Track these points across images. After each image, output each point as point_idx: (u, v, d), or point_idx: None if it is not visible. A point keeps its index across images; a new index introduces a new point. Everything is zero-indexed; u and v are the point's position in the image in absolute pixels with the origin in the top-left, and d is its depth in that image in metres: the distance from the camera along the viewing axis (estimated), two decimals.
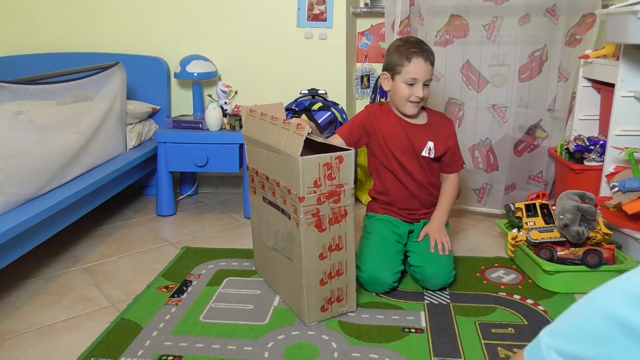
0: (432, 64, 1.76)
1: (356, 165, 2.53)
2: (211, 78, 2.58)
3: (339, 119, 2.42)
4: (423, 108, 1.86)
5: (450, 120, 1.93)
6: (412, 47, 1.73)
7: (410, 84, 1.74)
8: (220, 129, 2.40)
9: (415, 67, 1.72)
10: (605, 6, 2.11)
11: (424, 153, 1.81)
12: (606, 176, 1.91)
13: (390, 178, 1.85)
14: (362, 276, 1.67)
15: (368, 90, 2.74)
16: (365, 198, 2.06)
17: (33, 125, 1.78)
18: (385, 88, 1.82)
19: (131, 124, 2.43)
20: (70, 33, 2.70)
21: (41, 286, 1.77)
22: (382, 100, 2.53)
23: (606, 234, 1.70)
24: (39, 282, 1.81)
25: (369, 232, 1.82)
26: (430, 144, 1.82)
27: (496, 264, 1.90)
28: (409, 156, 1.82)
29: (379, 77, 2.62)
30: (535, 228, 1.76)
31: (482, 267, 1.88)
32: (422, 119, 1.85)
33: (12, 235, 1.54)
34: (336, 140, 1.79)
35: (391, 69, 1.77)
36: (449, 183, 1.89)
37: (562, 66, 2.26)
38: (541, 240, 1.72)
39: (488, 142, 2.40)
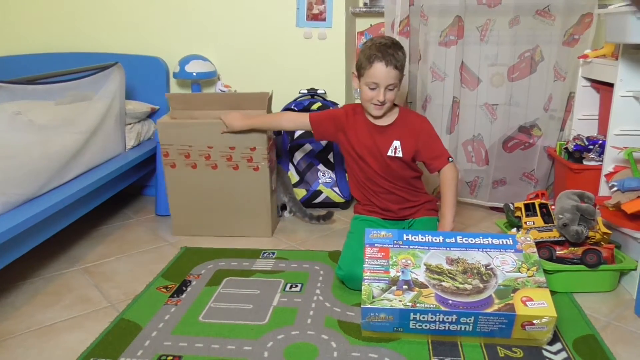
0: (397, 68, 1.70)
1: None
2: (210, 78, 2.58)
3: None
4: (397, 106, 1.85)
5: (424, 118, 1.90)
6: (376, 50, 1.69)
7: (372, 88, 1.73)
8: None
9: (375, 72, 1.70)
10: (602, 6, 2.11)
11: (390, 153, 1.81)
12: (605, 176, 1.92)
13: (362, 178, 1.88)
14: (340, 274, 1.70)
15: None
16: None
17: (32, 125, 1.78)
18: (354, 86, 1.84)
19: (130, 124, 2.43)
20: (70, 33, 2.69)
21: (41, 286, 1.77)
22: None
23: (605, 233, 1.70)
24: (38, 282, 1.81)
25: (351, 232, 1.86)
26: (397, 143, 1.81)
27: None
28: (376, 157, 1.83)
29: None
30: (535, 227, 1.76)
31: None
32: (389, 119, 1.83)
33: (12, 235, 1.54)
34: (304, 118, 1.90)
35: (357, 69, 1.77)
36: (443, 180, 1.80)
37: (558, 66, 2.27)
38: (540, 240, 1.72)
39: (480, 137, 2.47)
